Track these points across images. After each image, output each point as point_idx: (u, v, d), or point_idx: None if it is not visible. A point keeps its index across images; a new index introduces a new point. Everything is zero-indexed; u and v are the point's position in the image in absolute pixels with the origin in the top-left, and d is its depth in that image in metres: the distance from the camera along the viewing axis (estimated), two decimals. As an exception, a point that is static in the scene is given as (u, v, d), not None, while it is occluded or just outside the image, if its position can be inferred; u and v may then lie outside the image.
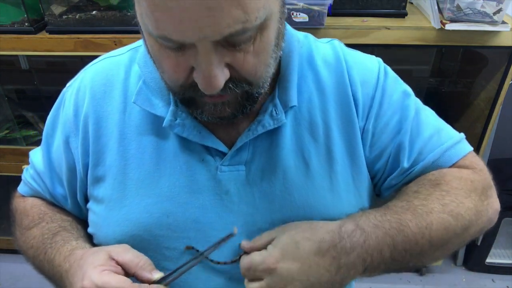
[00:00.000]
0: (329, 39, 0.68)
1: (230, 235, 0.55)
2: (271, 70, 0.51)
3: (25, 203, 0.70)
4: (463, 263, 1.76)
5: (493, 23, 1.13)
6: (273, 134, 0.60)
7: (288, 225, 0.56)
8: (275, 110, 0.58)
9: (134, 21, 0.48)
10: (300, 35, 0.65)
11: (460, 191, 0.59)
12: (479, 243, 1.66)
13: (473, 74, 1.44)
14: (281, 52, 0.56)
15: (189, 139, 0.58)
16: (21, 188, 0.73)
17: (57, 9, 1.24)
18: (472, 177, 0.62)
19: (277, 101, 0.58)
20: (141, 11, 0.43)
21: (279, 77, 0.60)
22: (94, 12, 1.23)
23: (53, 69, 1.53)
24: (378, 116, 0.62)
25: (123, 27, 1.23)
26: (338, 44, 0.66)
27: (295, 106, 0.59)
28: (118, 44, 1.22)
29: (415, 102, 0.66)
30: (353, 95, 0.62)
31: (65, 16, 1.24)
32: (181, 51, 0.45)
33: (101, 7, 1.23)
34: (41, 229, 0.65)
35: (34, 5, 1.26)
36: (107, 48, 1.21)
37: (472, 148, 0.66)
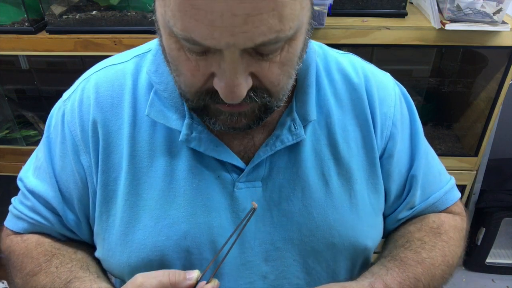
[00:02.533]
0: (345, 52, 0.65)
1: (253, 211, 0.50)
2: (292, 82, 0.49)
3: (27, 243, 0.62)
4: (463, 263, 1.76)
5: (493, 23, 1.13)
6: (292, 149, 0.57)
7: None
8: (293, 124, 0.56)
9: (150, 19, 0.46)
10: (315, 44, 0.62)
11: (455, 241, 0.66)
12: (479, 243, 1.66)
13: (473, 74, 1.43)
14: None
15: (206, 153, 0.55)
16: (13, 224, 0.64)
17: (57, 9, 1.23)
18: (461, 225, 0.69)
19: (295, 115, 0.56)
20: (165, 9, 0.40)
21: (296, 89, 0.57)
22: (94, 12, 1.23)
23: (53, 69, 1.53)
24: (392, 139, 0.62)
25: (123, 27, 1.23)
26: (355, 58, 0.64)
27: (314, 120, 0.57)
28: (118, 44, 1.22)
29: (423, 137, 0.66)
30: (371, 112, 0.60)
31: (65, 16, 1.24)
32: (204, 55, 0.43)
33: (101, 7, 1.23)
34: (50, 276, 0.58)
35: (34, 5, 1.26)
36: (107, 48, 1.22)
37: (460, 194, 0.73)
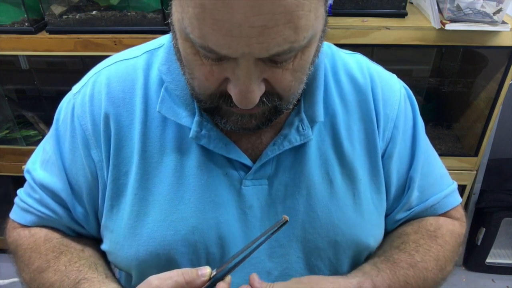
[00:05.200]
0: (352, 52, 0.66)
1: (285, 223, 0.52)
2: (303, 86, 0.50)
3: (35, 238, 0.62)
4: (463, 263, 1.76)
5: (493, 23, 1.13)
6: (298, 149, 0.58)
7: (305, 281, 0.55)
8: (301, 125, 0.57)
9: (167, 21, 0.46)
10: (324, 45, 0.61)
11: (451, 246, 0.66)
12: (479, 243, 1.66)
13: (473, 74, 1.43)
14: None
15: (215, 151, 0.56)
16: (20, 217, 0.64)
17: (57, 9, 1.24)
18: (459, 231, 0.69)
19: (303, 115, 0.57)
20: (183, 16, 0.41)
21: (304, 90, 0.57)
22: (94, 12, 1.23)
23: (53, 69, 1.53)
24: (392, 140, 0.62)
25: (123, 27, 1.23)
26: (362, 58, 0.65)
27: (321, 121, 0.58)
28: (118, 44, 1.22)
29: (425, 138, 0.67)
30: (376, 114, 0.61)
31: (65, 16, 1.24)
32: (219, 61, 0.44)
33: (101, 7, 1.23)
34: (59, 274, 0.58)
35: (34, 5, 1.26)
36: (107, 48, 1.22)
37: (461, 200, 0.72)
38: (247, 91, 0.43)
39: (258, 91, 0.44)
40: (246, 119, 0.50)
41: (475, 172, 1.46)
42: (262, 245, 0.52)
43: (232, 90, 0.44)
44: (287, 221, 0.52)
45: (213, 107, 0.50)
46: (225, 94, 0.47)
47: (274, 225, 0.52)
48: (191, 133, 0.55)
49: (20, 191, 0.66)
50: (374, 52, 1.29)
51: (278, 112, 0.51)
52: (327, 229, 0.58)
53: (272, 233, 0.52)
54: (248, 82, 0.43)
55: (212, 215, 0.57)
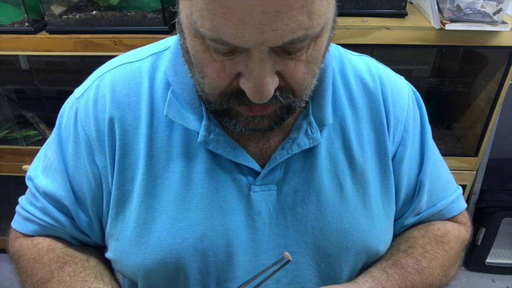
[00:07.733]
0: (360, 53, 0.65)
1: (288, 262, 0.51)
2: (315, 81, 0.49)
3: (38, 248, 0.60)
4: (463, 263, 1.76)
5: (493, 23, 1.13)
6: (307, 153, 0.57)
7: None
8: (310, 128, 0.55)
9: (174, 21, 0.45)
10: (331, 46, 0.61)
11: (456, 252, 0.67)
12: (479, 243, 1.66)
13: (473, 74, 1.43)
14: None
15: (223, 156, 0.54)
16: (22, 226, 0.62)
17: (57, 9, 1.24)
18: (465, 236, 0.70)
19: (312, 118, 0.56)
20: (192, 10, 0.40)
21: (312, 93, 0.56)
22: (94, 12, 1.23)
23: (53, 69, 1.52)
24: (403, 143, 0.62)
25: (123, 27, 1.23)
26: (371, 60, 0.64)
27: (330, 124, 0.57)
28: (118, 44, 1.22)
29: (433, 142, 0.66)
30: (386, 116, 0.60)
31: (65, 16, 1.24)
32: (231, 55, 0.42)
33: (101, 7, 1.23)
34: (63, 284, 0.57)
35: (34, 5, 1.26)
36: (107, 48, 1.22)
37: (466, 205, 0.73)
38: (261, 84, 0.42)
39: (272, 83, 0.43)
40: (257, 120, 0.49)
41: (475, 172, 1.46)
42: (265, 281, 0.51)
43: (246, 85, 0.43)
44: (289, 260, 0.50)
45: (223, 108, 0.48)
46: (237, 91, 0.45)
47: (276, 262, 0.51)
48: (199, 138, 0.54)
49: (21, 199, 0.64)
50: (374, 52, 1.30)
51: (290, 110, 0.50)
52: (337, 235, 0.57)
53: (274, 271, 0.51)
54: (262, 75, 0.41)
55: (220, 222, 0.55)
